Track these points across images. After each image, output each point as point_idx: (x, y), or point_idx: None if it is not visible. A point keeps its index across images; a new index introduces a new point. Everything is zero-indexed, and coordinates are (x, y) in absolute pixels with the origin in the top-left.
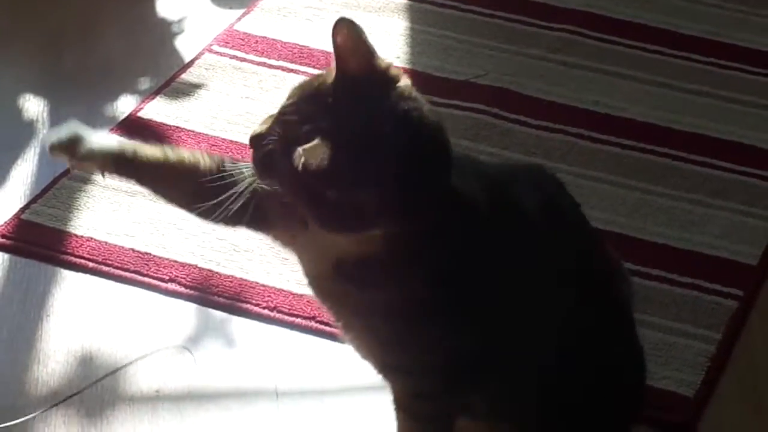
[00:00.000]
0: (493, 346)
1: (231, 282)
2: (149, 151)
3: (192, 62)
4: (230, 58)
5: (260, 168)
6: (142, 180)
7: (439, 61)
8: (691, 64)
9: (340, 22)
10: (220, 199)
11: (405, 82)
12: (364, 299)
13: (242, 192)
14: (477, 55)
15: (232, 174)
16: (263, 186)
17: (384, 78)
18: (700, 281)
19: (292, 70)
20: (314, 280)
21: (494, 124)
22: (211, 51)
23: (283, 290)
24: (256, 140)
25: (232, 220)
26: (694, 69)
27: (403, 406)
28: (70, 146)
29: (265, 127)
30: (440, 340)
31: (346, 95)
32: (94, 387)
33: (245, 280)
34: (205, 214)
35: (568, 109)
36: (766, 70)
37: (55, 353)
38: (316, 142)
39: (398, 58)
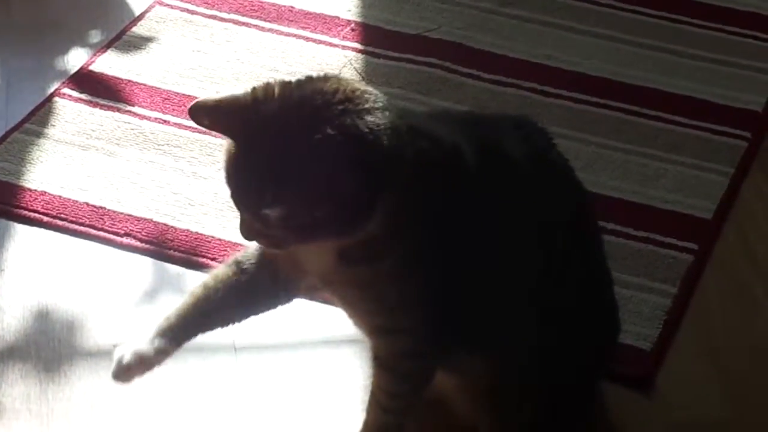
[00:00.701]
0: (484, 291)
1: (186, 236)
2: (184, 305)
3: (142, 15)
4: (181, 11)
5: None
6: (202, 328)
7: (391, 14)
8: (642, 18)
9: (191, 112)
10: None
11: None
12: (370, 273)
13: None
14: (428, 9)
15: (252, 263)
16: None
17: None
18: (656, 235)
19: (243, 23)
20: (322, 276)
21: (447, 78)
22: (161, 3)
23: (239, 244)
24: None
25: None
26: (645, 23)
27: (389, 366)
28: (137, 365)
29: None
30: (437, 291)
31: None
32: (52, 341)
33: (201, 234)
34: (267, 308)
35: (520, 63)
36: (714, 24)
37: (11, 308)
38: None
39: (349, 11)
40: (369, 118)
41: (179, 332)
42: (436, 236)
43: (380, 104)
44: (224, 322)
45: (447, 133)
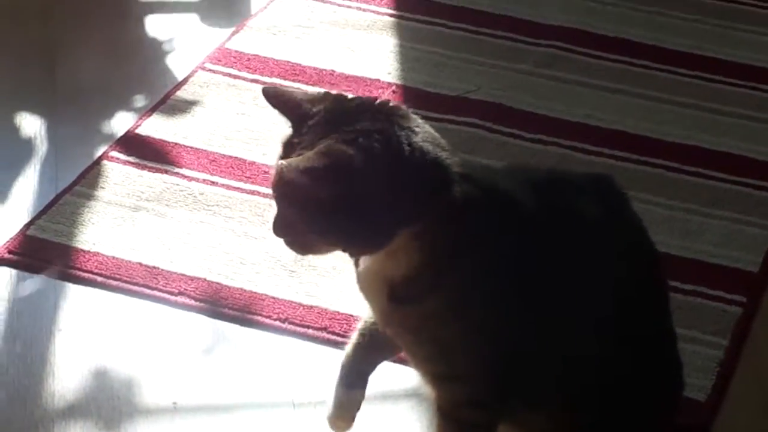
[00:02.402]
0: (543, 342)
1: (240, 294)
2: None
3: (186, 80)
4: (224, 75)
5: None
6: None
7: (430, 77)
8: (677, 77)
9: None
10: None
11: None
12: (419, 312)
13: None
14: (467, 71)
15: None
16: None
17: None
18: (703, 288)
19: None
20: (382, 317)
21: (489, 137)
22: (204, 69)
23: (292, 302)
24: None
25: None
26: (680, 82)
27: (449, 415)
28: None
29: None
30: (493, 337)
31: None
32: (111, 399)
33: (254, 293)
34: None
35: (560, 122)
36: (748, 83)
37: (69, 367)
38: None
39: (389, 74)
40: (415, 139)
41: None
42: (484, 279)
43: (429, 135)
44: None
45: (505, 184)
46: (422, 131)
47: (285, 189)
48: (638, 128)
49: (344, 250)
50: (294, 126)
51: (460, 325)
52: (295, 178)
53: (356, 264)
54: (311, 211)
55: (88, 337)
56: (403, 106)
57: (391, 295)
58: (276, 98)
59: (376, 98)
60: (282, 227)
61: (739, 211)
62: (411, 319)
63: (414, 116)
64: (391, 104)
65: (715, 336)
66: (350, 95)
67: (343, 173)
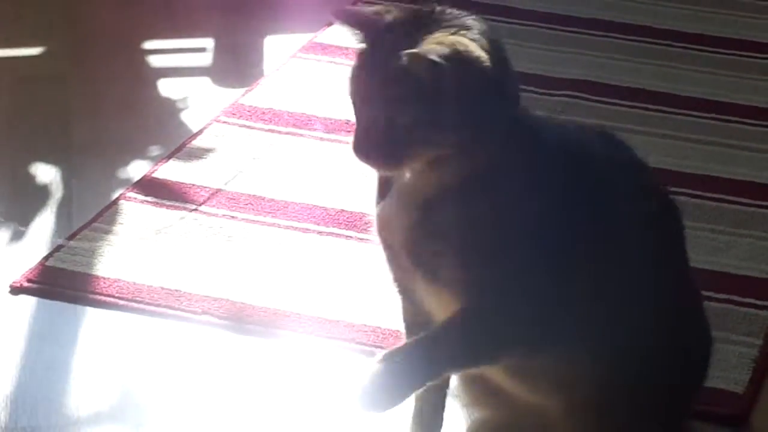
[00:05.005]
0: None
1: (264, 312)
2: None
3: (201, 131)
4: (239, 126)
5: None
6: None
7: None
8: (693, 119)
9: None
10: None
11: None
12: (464, 215)
13: None
14: None
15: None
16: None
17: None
18: (734, 296)
19: (301, 135)
20: (409, 235)
21: None
22: (218, 121)
23: (317, 317)
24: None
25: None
26: (697, 123)
27: (474, 315)
28: None
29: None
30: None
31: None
32: (137, 418)
33: (278, 310)
34: None
35: None
36: (762, 121)
37: (94, 389)
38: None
39: None
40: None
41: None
42: (527, 196)
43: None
44: None
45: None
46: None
47: (391, 84)
48: (659, 162)
49: (446, 149)
50: (370, 41)
51: (498, 230)
52: (424, 65)
53: (383, 190)
54: (427, 103)
55: (112, 360)
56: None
57: (425, 206)
58: (348, 17)
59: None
60: (370, 136)
61: (765, 229)
62: (443, 226)
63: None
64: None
65: (748, 336)
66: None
67: (456, 64)
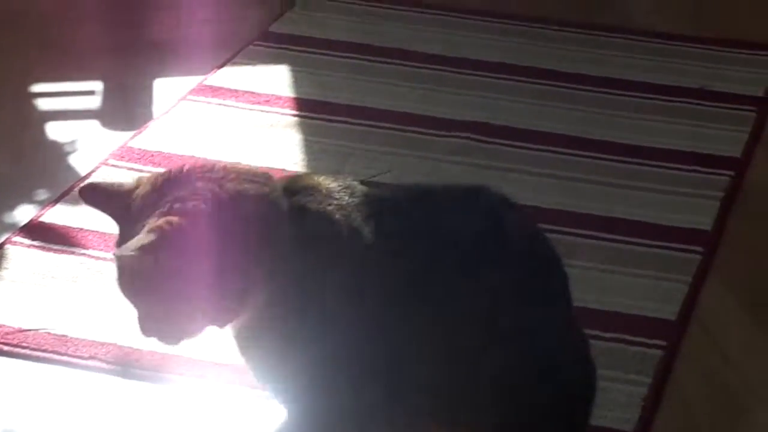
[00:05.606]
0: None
1: (153, 356)
2: None
3: (89, 175)
4: (127, 170)
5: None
6: None
7: (338, 164)
8: (592, 160)
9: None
10: None
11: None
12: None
13: None
14: (375, 159)
15: None
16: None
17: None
18: (625, 335)
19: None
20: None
21: None
22: (107, 164)
23: (207, 361)
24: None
25: None
26: (596, 165)
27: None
28: None
29: None
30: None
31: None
32: None
33: (167, 354)
34: None
35: None
36: (659, 162)
37: None
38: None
39: (295, 164)
40: (229, 185)
41: None
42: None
43: (260, 178)
44: None
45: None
46: (233, 174)
47: (134, 278)
48: (554, 204)
49: (215, 317)
50: (119, 221)
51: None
52: (135, 259)
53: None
54: (170, 287)
55: None
56: (209, 160)
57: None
58: (93, 197)
59: (182, 166)
60: (151, 323)
61: (659, 269)
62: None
63: (218, 163)
64: (195, 164)
65: (638, 375)
66: (162, 170)
67: (176, 239)
